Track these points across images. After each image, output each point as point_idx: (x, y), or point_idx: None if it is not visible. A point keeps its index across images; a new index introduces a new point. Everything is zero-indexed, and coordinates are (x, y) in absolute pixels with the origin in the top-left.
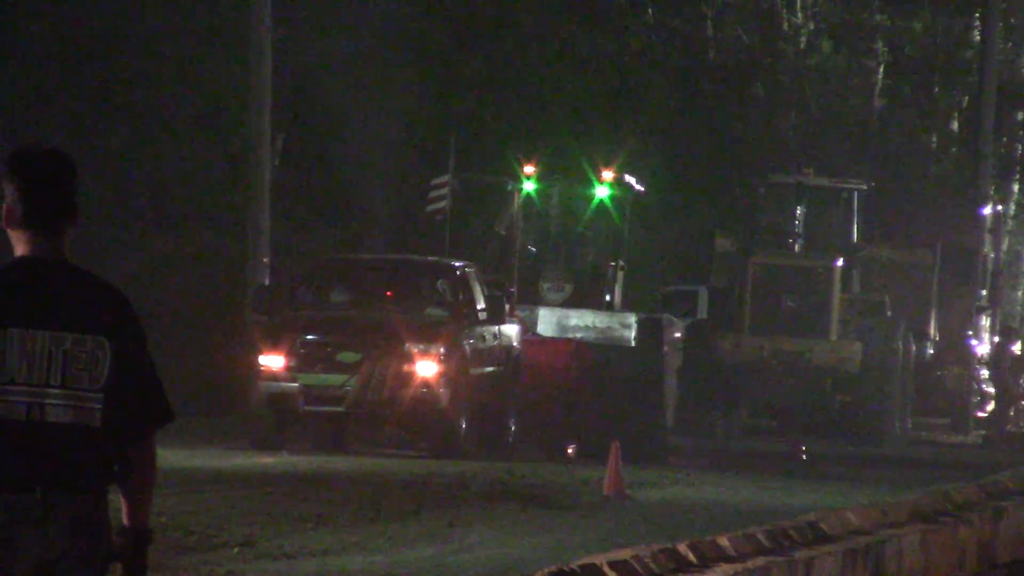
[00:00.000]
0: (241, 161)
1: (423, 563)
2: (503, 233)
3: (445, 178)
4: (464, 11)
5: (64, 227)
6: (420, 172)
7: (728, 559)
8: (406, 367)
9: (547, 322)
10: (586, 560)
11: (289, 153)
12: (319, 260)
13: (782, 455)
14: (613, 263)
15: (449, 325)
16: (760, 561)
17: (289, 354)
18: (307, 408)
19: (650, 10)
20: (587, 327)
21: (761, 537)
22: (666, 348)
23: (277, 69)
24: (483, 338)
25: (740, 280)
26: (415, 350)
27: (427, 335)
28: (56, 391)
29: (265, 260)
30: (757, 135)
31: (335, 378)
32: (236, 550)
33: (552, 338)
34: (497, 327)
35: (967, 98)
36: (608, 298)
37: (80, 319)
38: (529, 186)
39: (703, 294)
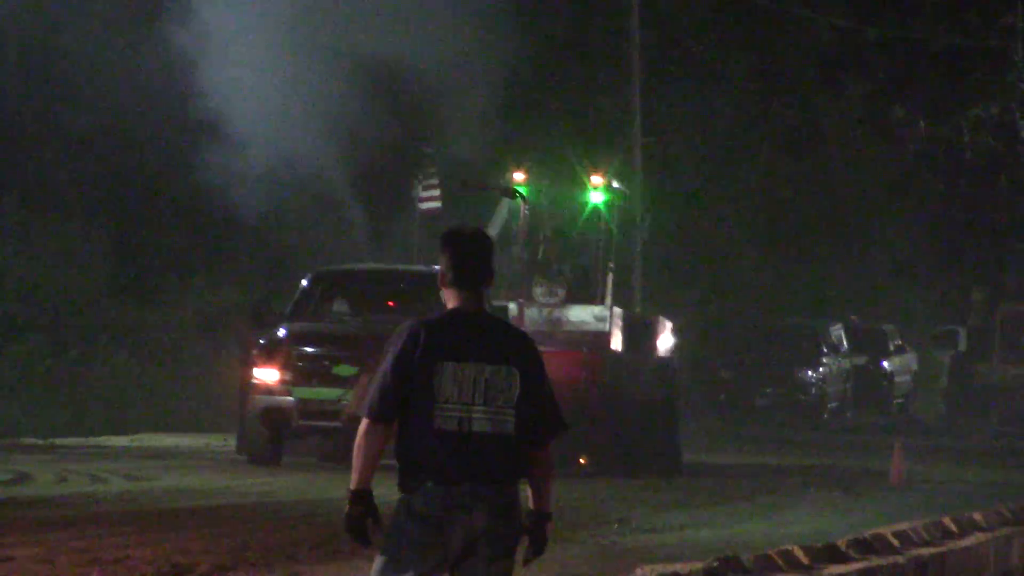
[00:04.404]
0: None
1: (755, 535)
2: (494, 236)
3: (434, 180)
4: (781, 123)
5: (484, 287)
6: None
7: (981, 529)
8: None
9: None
10: (876, 531)
11: None
12: (318, 272)
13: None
14: (604, 266)
15: None
16: (1005, 531)
17: (284, 367)
18: (302, 423)
19: (922, 122)
20: (564, 322)
21: (1006, 512)
22: (664, 353)
23: None
24: None
25: (991, 321)
26: None
27: None
28: (480, 408)
29: (637, 309)
30: (1004, 214)
31: (331, 392)
32: (615, 525)
33: (561, 350)
34: None
35: None
36: (600, 299)
37: (496, 354)
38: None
39: (963, 332)
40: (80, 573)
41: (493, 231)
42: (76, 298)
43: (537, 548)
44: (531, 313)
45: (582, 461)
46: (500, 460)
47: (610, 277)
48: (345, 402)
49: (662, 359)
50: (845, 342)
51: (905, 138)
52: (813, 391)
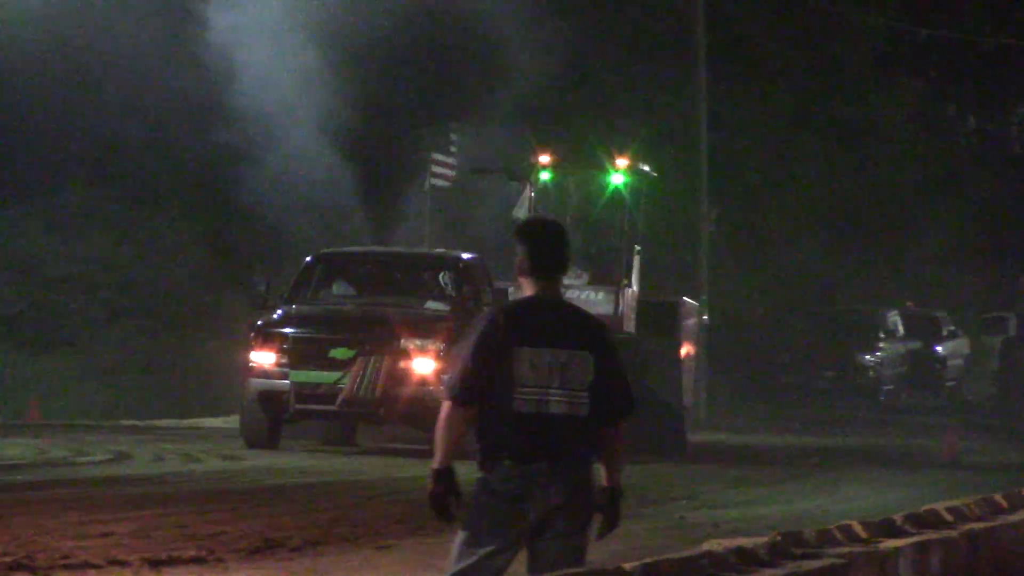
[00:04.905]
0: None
1: (815, 510)
2: (521, 218)
3: (450, 159)
4: (837, 118)
5: (559, 275)
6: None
7: None
8: (402, 364)
9: None
10: (930, 507)
11: None
12: (319, 253)
13: None
14: (630, 248)
15: (449, 319)
16: None
17: (280, 351)
18: (298, 407)
19: (972, 118)
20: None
21: None
22: (683, 334)
23: None
24: None
25: None
26: (411, 346)
27: (424, 330)
28: (556, 391)
29: (703, 296)
30: None
31: (327, 376)
32: (684, 502)
33: None
34: None
35: None
36: (626, 282)
37: (572, 339)
38: (544, 175)
39: (1012, 318)
40: (176, 548)
41: (520, 213)
42: (171, 286)
43: (610, 523)
44: None
45: None
46: (575, 440)
47: (636, 259)
48: (342, 386)
49: (673, 342)
50: (901, 328)
51: (955, 133)
52: (871, 374)
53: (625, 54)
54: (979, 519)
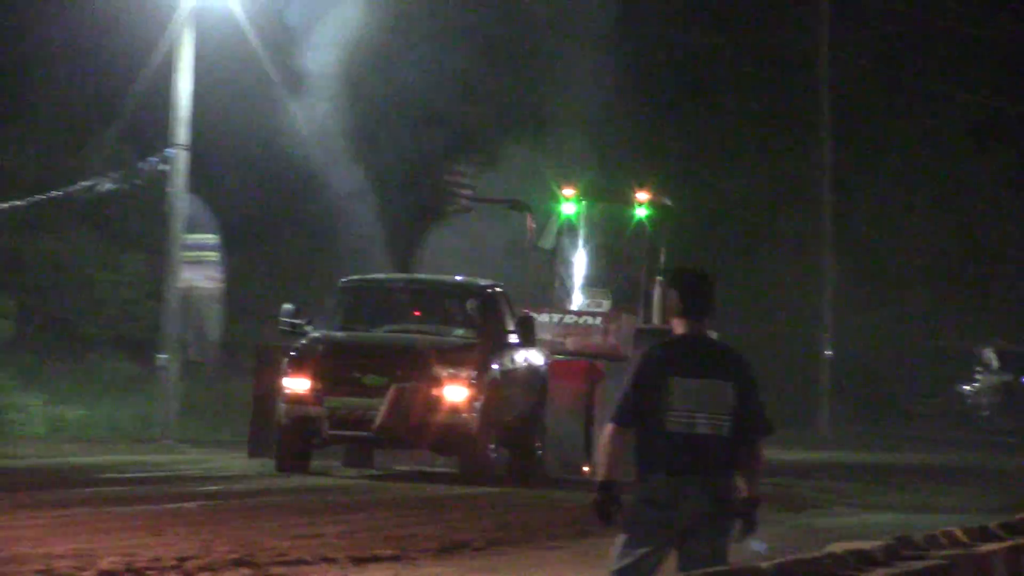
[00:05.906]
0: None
1: (923, 518)
2: (547, 248)
3: (465, 180)
4: (939, 181)
5: (705, 317)
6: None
7: None
8: (434, 392)
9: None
10: (1022, 516)
11: None
12: (349, 280)
13: None
14: (655, 278)
15: (479, 348)
16: None
17: (315, 377)
18: (332, 432)
19: None
20: (558, 324)
21: None
22: None
23: None
24: (512, 361)
25: None
26: (444, 374)
27: (456, 359)
28: (702, 415)
29: (826, 335)
30: None
31: (361, 402)
32: (810, 510)
33: (567, 359)
34: (526, 349)
35: None
36: (648, 311)
37: (716, 370)
38: (569, 208)
39: None
40: (376, 547)
41: (546, 244)
42: None
43: (749, 528)
44: (542, 320)
45: (586, 469)
46: (718, 456)
47: (657, 289)
48: (375, 412)
49: None
50: (995, 362)
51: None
52: (969, 402)
53: (760, 126)
54: None
